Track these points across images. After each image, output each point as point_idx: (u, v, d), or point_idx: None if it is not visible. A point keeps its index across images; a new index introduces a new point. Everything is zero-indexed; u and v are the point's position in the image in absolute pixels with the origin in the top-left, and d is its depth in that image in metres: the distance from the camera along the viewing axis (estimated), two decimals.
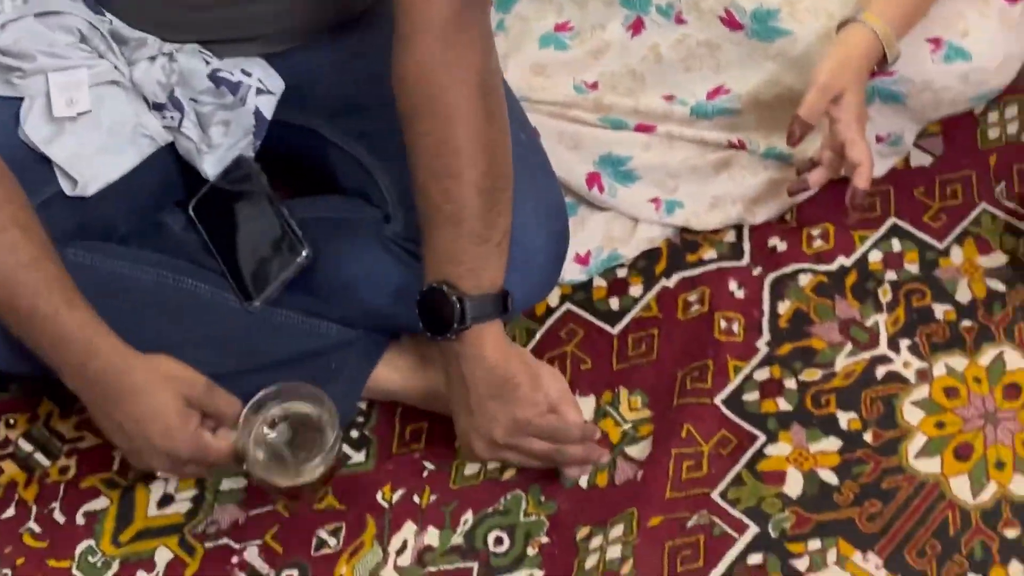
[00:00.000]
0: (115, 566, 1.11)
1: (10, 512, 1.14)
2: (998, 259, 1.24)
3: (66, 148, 1.08)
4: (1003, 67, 1.22)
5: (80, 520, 1.13)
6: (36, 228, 1.01)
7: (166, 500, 1.14)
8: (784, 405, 1.17)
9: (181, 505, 1.14)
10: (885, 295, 1.23)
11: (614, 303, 1.25)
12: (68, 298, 1.00)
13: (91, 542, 1.12)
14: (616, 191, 1.26)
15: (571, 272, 1.25)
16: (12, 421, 1.20)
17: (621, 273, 1.27)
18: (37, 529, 1.13)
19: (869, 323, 1.21)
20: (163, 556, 1.11)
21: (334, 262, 1.13)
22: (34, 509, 1.14)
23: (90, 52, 1.10)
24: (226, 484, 1.14)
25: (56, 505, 1.14)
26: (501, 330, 1.05)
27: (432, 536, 1.11)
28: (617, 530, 1.10)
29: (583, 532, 1.10)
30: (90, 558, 1.11)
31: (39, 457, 1.17)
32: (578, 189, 1.26)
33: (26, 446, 1.18)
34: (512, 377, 1.05)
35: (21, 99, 1.08)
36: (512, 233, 1.04)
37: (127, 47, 1.11)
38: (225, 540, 1.12)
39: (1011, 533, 1.08)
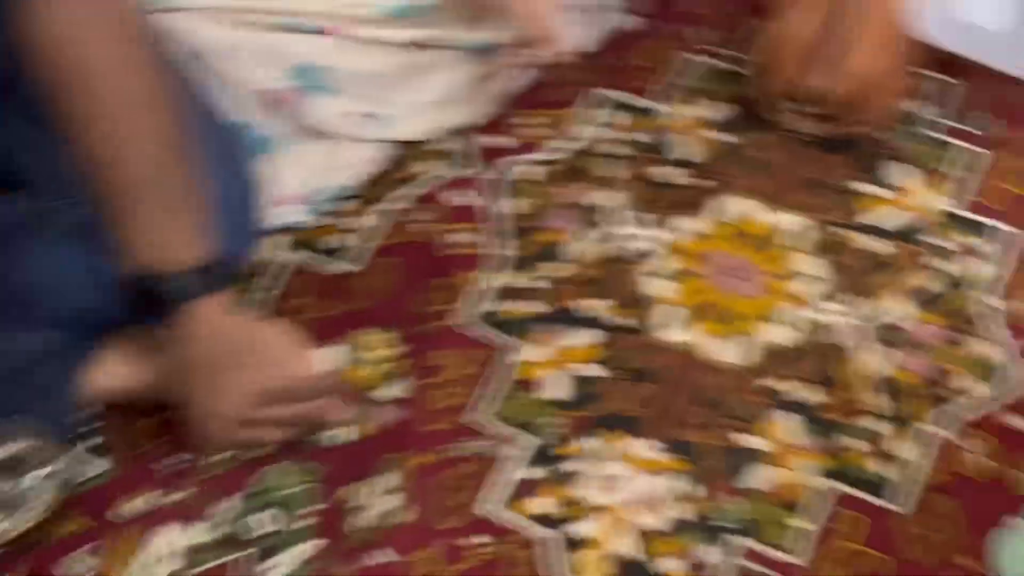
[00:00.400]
0: None
1: None
2: (716, 109, 1.22)
3: None
4: None
5: None
6: None
7: None
8: (532, 307, 1.12)
9: None
10: (615, 169, 1.19)
11: (349, 239, 1.17)
12: None
13: None
14: (310, 105, 1.16)
15: (291, 214, 1.16)
16: None
17: (348, 206, 1.19)
18: None
19: (604, 203, 1.17)
20: None
21: (12, 263, 1.00)
22: None
23: None
24: None
25: None
26: (218, 302, 0.97)
27: (199, 531, 1.03)
28: (387, 479, 1.04)
29: (353, 489, 1.04)
30: None
31: None
32: (269, 106, 1.15)
33: None
34: (235, 347, 0.97)
35: None
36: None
37: None
38: None
39: (770, 382, 1.07)
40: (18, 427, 0.96)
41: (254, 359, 0.98)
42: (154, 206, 0.92)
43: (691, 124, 1.22)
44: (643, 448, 1.04)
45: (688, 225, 1.16)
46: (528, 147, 1.21)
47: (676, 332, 1.10)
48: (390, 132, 1.20)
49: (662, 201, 1.17)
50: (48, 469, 0.95)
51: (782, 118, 1.21)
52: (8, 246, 1.01)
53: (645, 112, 1.23)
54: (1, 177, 1.08)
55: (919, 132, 1.23)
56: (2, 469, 0.97)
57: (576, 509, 1.01)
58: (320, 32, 1.16)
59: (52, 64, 0.90)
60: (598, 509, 1.01)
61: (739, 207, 1.17)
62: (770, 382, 1.07)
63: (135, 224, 0.93)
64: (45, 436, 0.97)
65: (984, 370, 1.07)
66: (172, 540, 1.02)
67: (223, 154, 1.04)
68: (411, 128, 1.20)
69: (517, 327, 1.11)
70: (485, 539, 1.00)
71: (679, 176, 1.19)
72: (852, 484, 1.01)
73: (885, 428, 1.04)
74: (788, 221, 1.16)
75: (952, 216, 1.17)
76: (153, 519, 1.03)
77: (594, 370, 1.08)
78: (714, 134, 1.22)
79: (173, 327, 0.95)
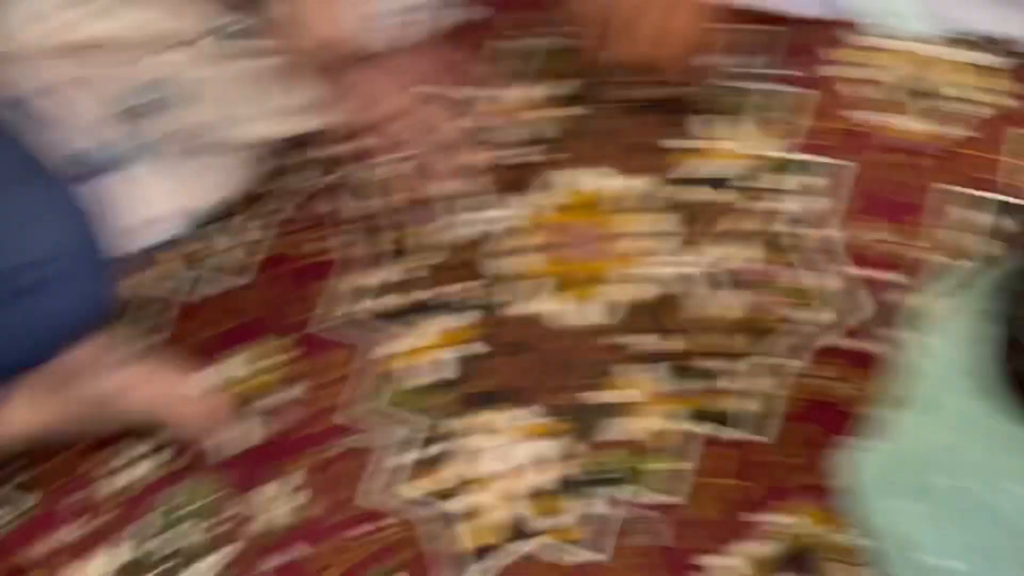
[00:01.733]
0: None
1: None
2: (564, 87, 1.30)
3: None
4: None
5: None
6: None
7: None
8: (410, 298, 1.19)
9: None
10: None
11: (235, 253, 1.25)
12: None
13: None
14: (176, 117, 1.19)
15: (168, 231, 1.19)
16: None
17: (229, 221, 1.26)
18: None
19: (467, 189, 1.24)
20: None
21: None
22: None
23: None
24: None
25: None
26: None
27: (121, 553, 1.10)
28: (276, 485, 1.11)
29: (259, 492, 1.11)
30: None
31: None
32: (133, 123, 1.19)
33: None
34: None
35: None
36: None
37: None
38: None
39: (626, 339, 1.15)
40: None
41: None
42: None
43: (539, 103, 1.30)
44: (525, 416, 1.12)
45: (545, 200, 1.24)
46: (391, 147, 1.27)
47: (544, 303, 1.18)
48: (251, 135, 1.23)
49: (518, 182, 1.25)
50: None
51: (610, 88, 1.28)
52: None
53: (492, 99, 1.30)
54: None
55: (744, 84, 1.30)
56: None
57: (462, 484, 1.09)
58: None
59: None
60: (483, 481, 1.09)
61: (589, 177, 1.25)
62: (633, 338, 1.15)
63: None
64: None
65: (828, 299, 1.15)
66: (100, 566, 1.10)
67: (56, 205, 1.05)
68: (271, 129, 1.24)
69: (397, 319, 1.18)
70: (369, 527, 1.07)
71: (534, 154, 1.27)
72: (717, 422, 1.10)
73: (742, 366, 1.12)
74: (636, 184, 1.24)
75: (787, 159, 1.25)
76: (77, 549, 1.10)
77: (475, 349, 1.16)
78: (561, 111, 1.29)
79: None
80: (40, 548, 1.10)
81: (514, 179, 1.25)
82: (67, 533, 1.10)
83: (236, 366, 1.17)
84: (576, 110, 1.29)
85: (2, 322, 1.02)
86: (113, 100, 1.18)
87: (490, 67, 1.33)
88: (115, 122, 1.18)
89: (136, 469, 1.13)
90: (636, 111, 1.29)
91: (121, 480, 1.12)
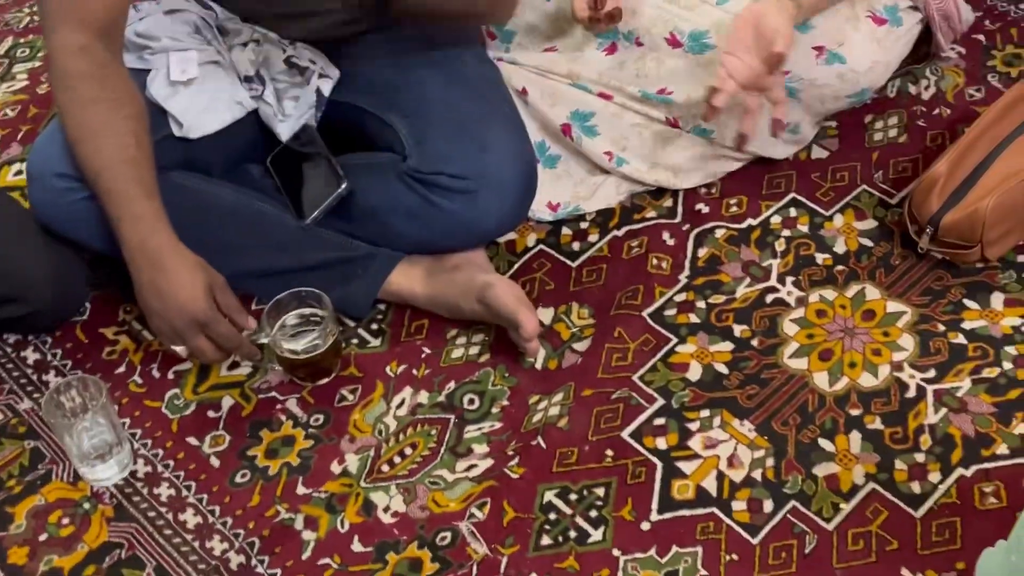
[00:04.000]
0: (192, 407, 1.51)
1: (122, 369, 1.56)
2: (870, 224, 1.63)
3: (179, 104, 1.51)
4: (871, 71, 1.63)
5: (170, 376, 1.55)
6: (146, 143, 1.42)
7: (233, 365, 1.55)
8: (694, 318, 1.55)
9: (244, 369, 1.54)
10: (780, 246, 1.62)
11: (576, 246, 1.65)
12: (148, 192, 1.40)
13: (176, 390, 1.53)
14: (582, 141, 1.66)
15: (543, 214, 1.66)
16: (128, 308, 1.62)
17: (583, 225, 1.67)
18: (139, 380, 1.55)
19: (765, 264, 1.60)
20: (227, 402, 1.51)
21: (365, 192, 1.55)
22: (139, 368, 1.56)
23: (201, 39, 1.55)
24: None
25: (154, 366, 1.56)
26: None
27: (423, 396, 1.50)
28: (558, 396, 1.49)
29: (533, 398, 1.49)
30: (175, 401, 1.52)
31: (146, 333, 1.59)
32: (556, 134, 1.67)
33: (137, 325, 1.60)
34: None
35: (148, 71, 1.53)
36: (491, 171, 1.46)
37: (228, 36, 1.56)
38: (273, 393, 1.52)
39: (855, 412, 1.44)
40: (321, 299, 1.49)
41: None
42: None
43: (848, 229, 1.64)
44: (739, 425, 1.43)
45: (829, 295, 1.56)
46: (725, 216, 1.66)
47: (792, 360, 1.49)
48: (625, 169, 1.66)
49: (815, 275, 1.58)
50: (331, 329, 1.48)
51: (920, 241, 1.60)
52: (364, 180, 1.55)
53: (817, 213, 1.65)
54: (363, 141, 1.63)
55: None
56: (300, 325, 1.50)
57: (683, 450, 1.42)
58: (598, 95, 1.66)
59: None
60: (696, 455, 1.42)
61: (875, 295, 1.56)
62: (851, 410, 1.44)
63: None
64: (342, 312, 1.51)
65: None
66: (407, 397, 1.50)
67: (518, 153, 1.53)
68: (640, 172, 1.67)
69: (681, 328, 1.54)
70: (611, 453, 1.43)
71: (830, 260, 1.60)
72: (885, 487, 1.36)
73: (930, 459, 1.38)
74: (899, 308, 1.54)
75: None
76: (400, 381, 1.52)
77: (723, 368, 1.49)
78: (864, 240, 1.62)
79: None
80: (369, 373, 1.53)
81: (818, 274, 1.59)
82: (402, 369, 1.53)
83: (550, 314, 1.57)
84: (877, 243, 1.61)
85: (452, 212, 1.50)
86: (557, 114, 1.68)
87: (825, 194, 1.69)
88: (554, 131, 1.68)
89: (468, 348, 1.55)
90: (925, 259, 1.57)
91: (456, 352, 1.54)
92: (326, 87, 1.60)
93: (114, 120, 1.41)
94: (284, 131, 1.58)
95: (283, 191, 1.58)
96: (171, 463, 1.46)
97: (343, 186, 1.53)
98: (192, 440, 1.48)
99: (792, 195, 1.67)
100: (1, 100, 1.95)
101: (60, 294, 1.55)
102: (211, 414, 1.51)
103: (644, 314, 1.56)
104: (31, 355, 1.58)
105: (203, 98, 1.53)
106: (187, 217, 1.45)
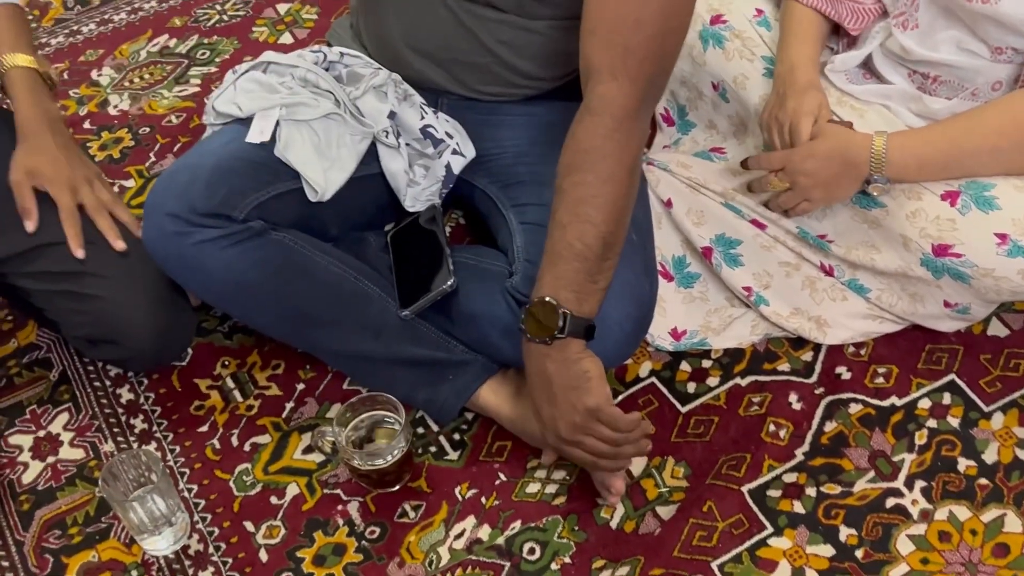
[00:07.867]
0: (258, 488, 1.47)
1: (204, 428, 1.53)
2: None
3: (315, 169, 1.43)
4: None
5: (247, 448, 1.51)
6: None
7: (308, 450, 1.49)
8: (798, 507, 1.37)
9: (317, 457, 1.49)
10: (921, 438, 1.40)
11: (691, 387, 1.49)
12: None
13: (248, 465, 1.49)
14: (722, 268, 1.50)
15: (664, 342, 1.51)
16: (227, 363, 1.59)
17: (705, 364, 1.51)
18: (217, 446, 1.51)
19: (896, 459, 1.39)
20: (292, 490, 1.46)
21: (468, 296, 1.44)
22: (220, 431, 1.53)
23: (315, 91, 1.46)
24: None
25: (235, 432, 1.52)
26: (582, 344, 1.30)
27: (484, 532, 1.40)
28: (623, 570, 1.35)
29: (598, 563, 1.36)
30: (244, 476, 1.48)
31: (236, 394, 1.56)
32: (697, 252, 1.52)
33: (230, 383, 1.57)
34: (586, 371, 1.29)
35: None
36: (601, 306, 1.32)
37: (361, 81, 1.47)
38: (339, 491, 1.46)
39: None
40: (398, 408, 1.39)
41: (599, 386, 1.29)
42: (589, 270, 1.28)
43: (1006, 435, 1.40)
44: None
45: (961, 513, 1.34)
46: (867, 388, 1.45)
47: None
48: (762, 310, 1.50)
49: (952, 485, 1.36)
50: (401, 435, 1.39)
51: None
52: (470, 285, 1.45)
53: (974, 406, 1.42)
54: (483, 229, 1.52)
55: None
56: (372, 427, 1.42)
57: None
58: (751, 222, 1.49)
59: (582, 151, 1.30)
60: None
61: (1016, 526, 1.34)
62: None
63: (571, 274, 1.28)
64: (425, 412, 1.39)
65: None
66: (468, 528, 1.41)
67: (635, 296, 1.39)
68: (778, 316, 1.50)
69: (780, 516, 1.36)
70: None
71: (974, 469, 1.37)
72: None
73: None
74: None
75: None
76: (466, 507, 1.42)
77: None
78: (1022, 452, 1.39)
79: (552, 348, 1.29)
80: (438, 489, 1.44)
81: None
82: (470, 494, 1.43)
83: (641, 463, 1.43)
84: None
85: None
86: (699, 235, 1.52)
87: None
88: (693, 250, 1.54)
89: (545, 485, 1.43)
90: None
91: (532, 486, 1.43)
92: (457, 164, 1.50)
93: None
94: (410, 198, 1.50)
95: (393, 271, 1.50)
96: (223, 546, 1.43)
97: (449, 282, 1.43)
98: (248, 525, 1.44)
99: (951, 376, 1.45)
100: (170, 103, 1.94)
101: (161, 343, 1.52)
102: (274, 500, 1.46)
103: (744, 489, 1.39)
104: (125, 394, 1.58)
105: (329, 155, 1.45)
106: (288, 280, 1.40)
